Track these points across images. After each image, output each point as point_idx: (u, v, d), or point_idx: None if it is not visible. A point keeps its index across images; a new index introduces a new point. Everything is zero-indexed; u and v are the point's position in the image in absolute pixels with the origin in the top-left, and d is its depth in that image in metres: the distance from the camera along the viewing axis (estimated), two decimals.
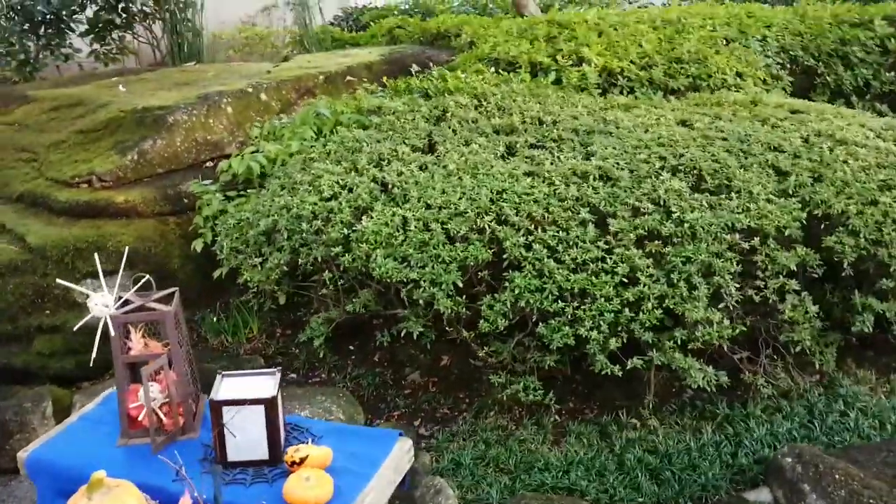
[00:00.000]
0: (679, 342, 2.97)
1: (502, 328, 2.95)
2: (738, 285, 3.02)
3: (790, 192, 3.22)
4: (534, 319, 2.98)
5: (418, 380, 3.65)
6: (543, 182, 3.23)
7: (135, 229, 4.16)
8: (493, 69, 4.87)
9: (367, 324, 3.78)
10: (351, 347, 3.86)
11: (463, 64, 5.21)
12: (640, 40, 4.96)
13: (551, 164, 3.33)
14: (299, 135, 4.03)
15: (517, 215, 3.06)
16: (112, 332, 2.37)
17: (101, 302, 2.45)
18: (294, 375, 3.75)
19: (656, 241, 3.02)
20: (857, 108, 5.62)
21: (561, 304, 2.91)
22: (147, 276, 2.52)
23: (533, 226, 3.06)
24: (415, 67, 5.45)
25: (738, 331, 3.09)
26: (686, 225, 3.03)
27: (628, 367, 2.97)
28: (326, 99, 4.45)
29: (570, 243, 2.99)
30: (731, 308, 3.06)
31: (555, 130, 3.64)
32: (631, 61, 4.74)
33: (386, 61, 5.87)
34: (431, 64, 5.67)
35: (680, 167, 3.31)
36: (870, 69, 5.63)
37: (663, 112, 3.90)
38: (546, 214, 3.07)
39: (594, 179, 3.24)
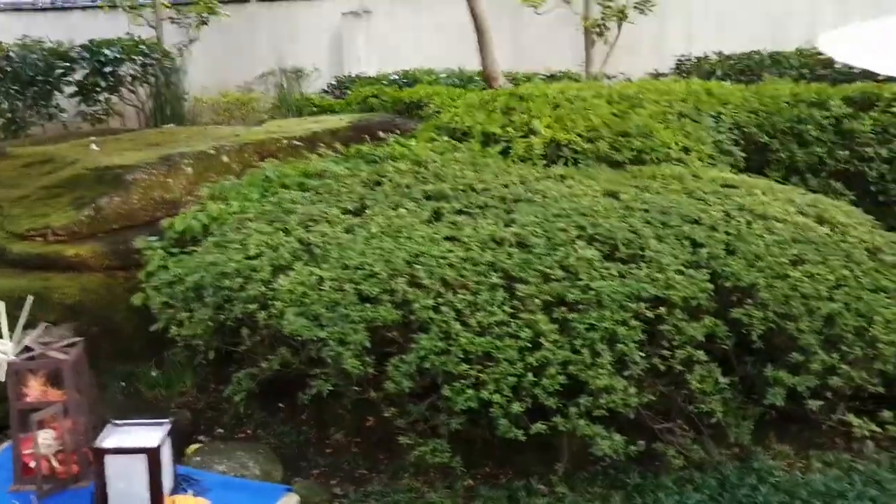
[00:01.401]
0: (584, 409, 3.00)
1: (408, 389, 2.99)
2: (643, 354, 3.07)
3: (702, 263, 3.28)
4: (439, 381, 3.03)
5: (341, 439, 3.68)
6: (461, 247, 3.31)
7: (82, 282, 4.27)
8: (446, 138, 5.00)
9: (298, 381, 3.82)
10: (280, 405, 3.90)
11: (422, 132, 5.35)
12: (591, 114, 5.09)
13: (472, 229, 3.42)
14: (244, 195, 4.15)
15: (430, 278, 3.13)
16: (2, 378, 2.44)
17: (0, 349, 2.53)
18: (221, 430, 3.78)
19: (563, 308, 3.08)
20: (813, 185, 5.72)
21: (465, 366, 2.96)
22: (47, 324, 2.60)
23: (444, 289, 3.13)
24: (381, 134, 5.60)
25: (645, 399, 3.13)
26: (592, 292, 3.09)
27: (532, 432, 3.00)
28: (274, 162, 4.59)
29: (478, 307, 3.05)
30: (638, 377, 3.10)
31: (483, 198, 3.74)
32: (578, 134, 4.86)
33: (353, 128, 6.04)
34: (398, 131, 5.82)
35: (596, 236, 3.39)
36: (824, 147, 5.72)
37: (593, 183, 3.99)
38: (458, 278, 3.15)
39: (510, 246, 3.32)
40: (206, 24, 11.35)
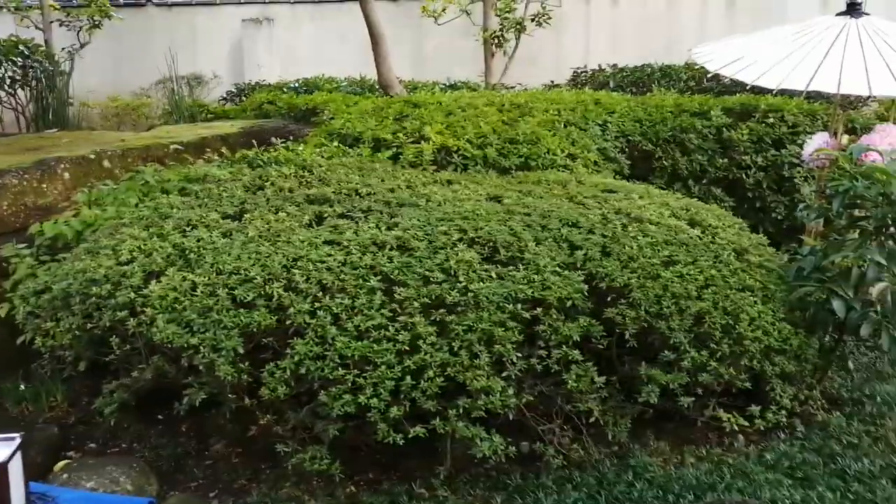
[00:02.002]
0: (463, 411, 3.01)
1: (284, 396, 2.94)
2: (520, 355, 3.10)
3: (578, 265, 3.35)
4: (315, 387, 2.98)
5: (222, 450, 3.58)
6: (341, 251, 3.28)
7: None
8: (336, 143, 4.97)
9: (176, 391, 3.71)
10: (159, 416, 3.77)
11: (312, 138, 5.30)
12: (481, 121, 5.15)
13: (354, 233, 3.39)
14: (122, 201, 4.01)
15: (307, 282, 3.09)
16: None
17: None
18: (94, 445, 3.63)
19: (441, 310, 3.09)
20: (695, 191, 5.94)
21: (342, 371, 2.93)
22: None
23: (322, 293, 3.09)
24: (274, 140, 5.52)
25: (525, 400, 3.17)
26: (471, 294, 3.11)
27: (411, 436, 2.98)
28: (154, 167, 4.46)
29: (356, 311, 3.03)
30: (518, 377, 3.13)
31: (367, 202, 3.73)
32: (468, 140, 4.91)
33: (245, 133, 5.94)
34: (292, 137, 5.76)
35: (478, 239, 3.41)
36: (705, 156, 5.95)
37: (478, 188, 4.03)
38: (337, 282, 3.11)
39: (391, 249, 3.31)
40: (98, 27, 10.98)
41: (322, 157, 4.50)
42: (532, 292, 3.16)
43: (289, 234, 3.37)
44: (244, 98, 10.15)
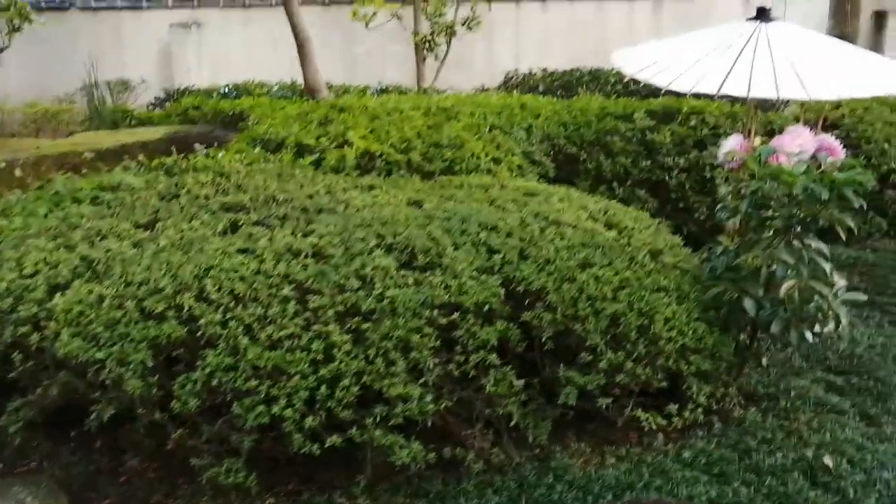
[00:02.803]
0: (380, 419, 2.99)
1: (195, 408, 2.87)
2: (437, 361, 3.09)
3: (495, 269, 3.36)
4: (229, 399, 2.93)
5: (137, 466, 3.48)
6: (255, 259, 3.22)
7: None
8: (258, 149, 4.90)
9: (89, 407, 3.60)
10: (71, 433, 3.65)
11: (235, 144, 5.22)
12: (406, 126, 5.14)
13: (268, 241, 3.34)
14: (30, 211, 3.88)
15: (218, 292, 3.03)
16: None
17: None
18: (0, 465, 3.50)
19: (357, 318, 3.06)
20: (620, 193, 6.02)
21: (255, 382, 2.88)
22: None
23: (234, 303, 3.03)
24: (198, 146, 5.41)
25: (443, 405, 3.16)
26: (386, 301, 3.09)
27: (328, 446, 2.95)
28: (67, 175, 4.33)
29: (269, 320, 2.98)
30: (437, 383, 3.13)
31: (284, 209, 3.68)
32: (392, 145, 4.89)
33: (168, 140, 5.82)
34: (216, 143, 5.65)
35: (395, 245, 3.39)
36: (629, 158, 6.05)
37: (399, 192, 4.02)
38: (249, 291, 3.06)
39: (306, 257, 3.26)
40: (18, 31, 10.64)
41: (241, 163, 4.42)
42: (449, 297, 3.16)
43: (202, 243, 3.30)
44: (173, 103, 9.97)
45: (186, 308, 2.98)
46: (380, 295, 3.11)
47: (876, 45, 11.30)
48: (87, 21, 12.10)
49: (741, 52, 4.15)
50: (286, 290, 3.08)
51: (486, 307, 3.20)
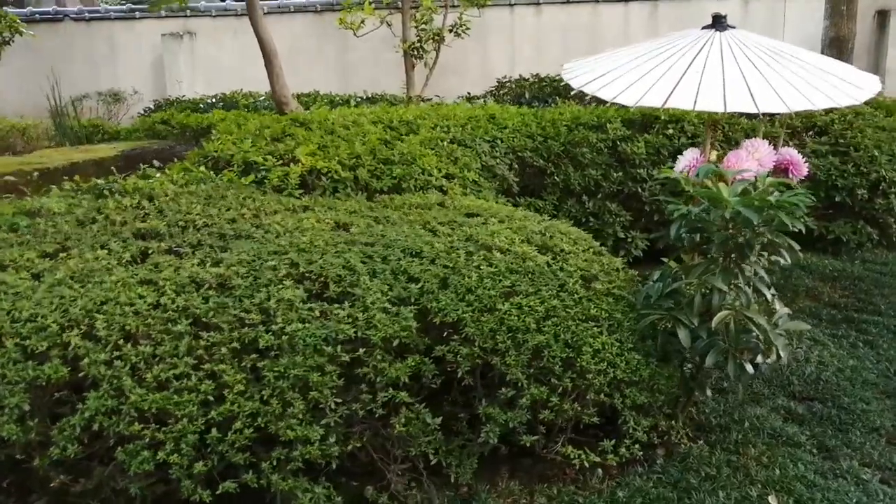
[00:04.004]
0: (278, 462, 2.82)
1: (74, 455, 2.72)
2: (339, 400, 2.91)
3: (412, 299, 3.17)
4: (112, 443, 2.77)
5: None
6: (155, 291, 3.07)
7: None
8: (203, 168, 4.76)
9: None
10: None
11: (186, 161, 5.08)
12: (358, 141, 4.97)
13: (174, 271, 3.18)
14: None
15: (108, 329, 2.87)
16: None
17: None
18: None
19: (254, 355, 2.89)
20: (590, 206, 5.81)
21: (139, 426, 2.72)
22: None
23: (124, 340, 2.87)
24: (156, 164, 5.28)
25: (351, 446, 2.98)
26: (286, 337, 2.92)
27: (220, 492, 2.78)
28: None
29: (158, 359, 2.82)
30: (346, 421, 2.95)
31: (200, 235, 3.52)
32: (340, 161, 4.72)
33: (124, 157, 5.71)
34: (176, 160, 5.52)
35: (308, 274, 3.22)
36: (599, 170, 5.84)
37: (331, 215, 3.84)
38: (142, 327, 2.90)
39: (209, 288, 3.10)
40: (9, 43, 10.64)
41: (176, 184, 4.27)
42: (355, 332, 2.98)
43: (102, 275, 3.15)
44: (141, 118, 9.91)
45: (72, 346, 2.82)
46: (279, 330, 2.93)
47: (878, 45, 10.96)
48: (82, 31, 12.11)
49: (691, 64, 3.94)
50: (181, 326, 2.92)
51: (396, 342, 3.01)
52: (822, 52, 8.95)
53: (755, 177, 4.14)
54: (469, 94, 9.55)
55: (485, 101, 9.07)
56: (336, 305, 3.09)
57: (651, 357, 3.37)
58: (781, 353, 3.16)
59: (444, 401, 3.37)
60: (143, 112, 10.58)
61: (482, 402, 3.18)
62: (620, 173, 5.86)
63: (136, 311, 2.96)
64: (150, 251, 3.38)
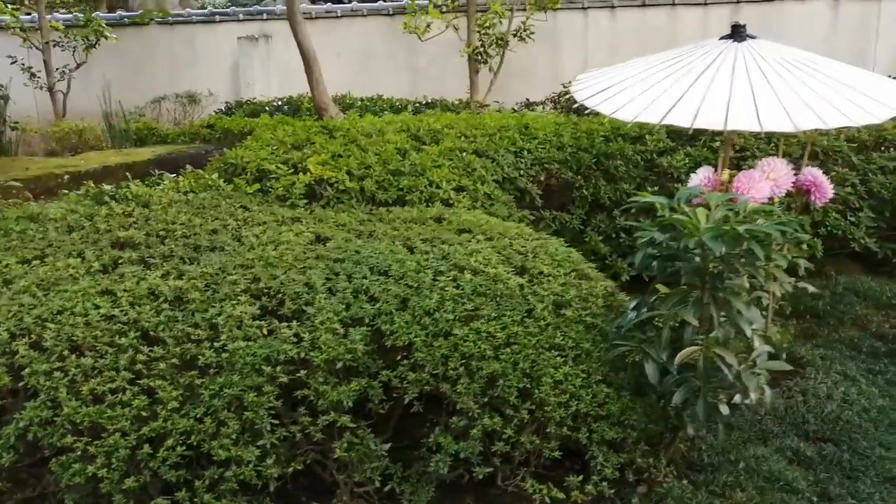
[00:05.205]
0: (210, 482, 2.78)
1: (8, 463, 2.76)
2: (277, 422, 2.86)
3: (366, 320, 3.08)
4: (48, 454, 2.80)
5: None
6: (111, 303, 3.09)
7: None
8: (218, 174, 4.80)
9: None
10: None
11: (208, 168, 5.15)
12: (373, 151, 4.91)
13: (136, 282, 3.20)
14: None
15: (56, 339, 2.90)
16: None
17: None
18: None
19: (192, 371, 2.87)
20: (620, 221, 5.57)
21: (72, 438, 2.73)
22: None
23: (69, 351, 2.90)
24: (188, 168, 5.39)
25: (292, 469, 2.92)
26: (226, 354, 2.88)
27: None
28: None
29: (98, 371, 2.83)
30: (290, 442, 2.89)
31: (174, 245, 3.53)
32: (348, 172, 4.67)
33: (158, 161, 5.84)
34: (208, 164, 5.62)
35: (266, 290, 3.18)
36: (632, 184, 5.58)
37: (317, 227, 3.80)
38: (89, 339, 2.92)
39: (165, 301, 3.10)
40: (94, 47, 11.15)
41: (179, 191, 4.32)
42: (298, 352, 2.91)
43: (68, 283, 3.20)
44: (231, 114, 10.14)
45: (19, 355, 2.87)
46: (221, 347, 2.90)
47: None
48: (165, 35, 12.54)
49: (698, 78, 3.69)
50: (127, 339, 2.92)
51: (340, 364, 2.92)
52: None
53: (771, 199, 3.87)
54: (528, 100, 9.34)
55: (543, 107, 8.87)
56: (285, 324, 3.03)
57: (623, 391, 3.17)
58: (752, 395, 2.90)
59: (410, 425, 3.28)
60: (215, 113, 10.86)
61: (436, 430, 3.06)
62: (656, 188, 5.57)
63: (88, 322, 2.98)
64: (120, 261, 3.41)
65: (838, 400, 4.10)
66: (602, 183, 5.53)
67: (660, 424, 3.27)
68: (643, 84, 3.78)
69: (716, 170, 4.01)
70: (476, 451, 2.98)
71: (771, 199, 3.84)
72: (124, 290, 3.14)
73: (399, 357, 3.05)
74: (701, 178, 3.97)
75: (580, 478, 3.13)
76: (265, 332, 2.99)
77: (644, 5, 11.12)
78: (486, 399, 3.01)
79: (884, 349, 4.80)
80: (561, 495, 3.13)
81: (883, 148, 6.37)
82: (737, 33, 3.91)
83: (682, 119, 3.52)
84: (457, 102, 9.75)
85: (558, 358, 3.10)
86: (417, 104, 9.41)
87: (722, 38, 3.95)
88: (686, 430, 3.31)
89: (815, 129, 3.46)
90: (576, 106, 5.88)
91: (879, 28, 10.81)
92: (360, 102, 9.89)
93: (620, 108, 3.71)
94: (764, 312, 4.06)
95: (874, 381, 4.36)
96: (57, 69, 10.73)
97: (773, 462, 3.57)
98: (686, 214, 2.92)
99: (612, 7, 11.16)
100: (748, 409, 3.87)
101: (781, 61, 3.74)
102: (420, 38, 10.03)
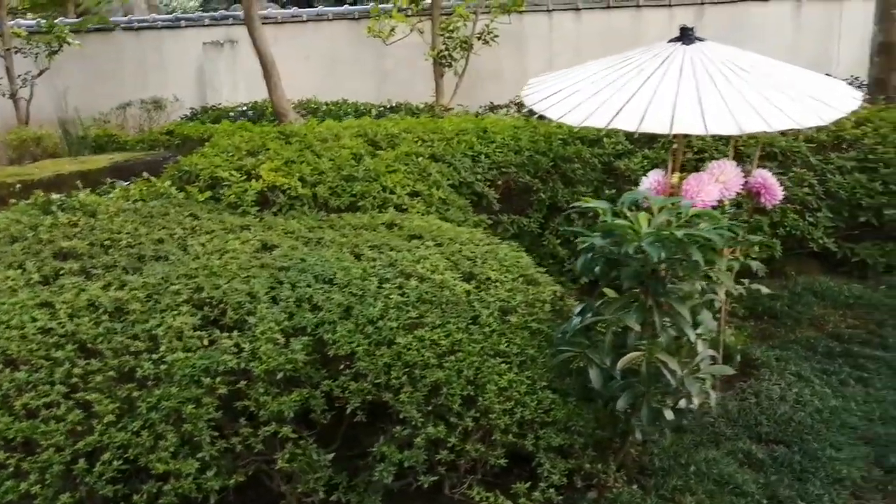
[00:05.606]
0: (149, 496, 2.74)
1: None
2: (216, 434, 2.82)
3: (309, 329, 3.05)
4: None
5: None
6: (49, 315, 3.03)
7: None
8: (171, 182, 4.75)
9: None
10: None
11: (166, 175, 5.09)
12: (327, 156, 4.88)
13: (75, 294, 3.15)
14: None
15: None
16: None
17: None
18: None
19: (130, 384, 2.82)
20: (579, 224, 5.57)
21: (4, 454, 2.68)
22: None
23: (3, 365, 2.84)
24: (145, 176, 5.32)
25: (234, 481, 2.88)
26: (164, 366, 2.84)
27: None
28: None
29: (32, 385, 2.78)
30: (230, 453, 2.85)
31: (117, 256, 3.48)
32: (301, 178, 4.64)
33: (114, 169, 5.77)
34: (163, 172, 5.55)
35: (209, 299, 3.14)
36: (590, 186, 5.59)
37: (266, 234, 3.76)
38: (24, 352, 2.87)
39: (104, 313, 3.05)
40: (56, 53, 11.01)
41: (129, 199, 4.27)
42: (238, 363, 2.88)
43: (5, 296, 3.14)
44: (196, 120, 10.06)
45: None
46: (160, 359, 2.86)
47: None
48: (131, 40, 12.42)
49: (645, 82, 3.68)
50: (64, 352, 2.87)
51: (281, 374, 2.89)
52: (872, 58, 8.41)
53: (720, 202, 3.88)
54: (492, 103, 9.35)
55: (507, 110, 8.88)
56: (226, 334, 2.99)
57: (569, 396, 3.16)
58: (695, 400, 2.90)
59: (361, 433, 3.24)
60: (181, 119, 10.77)
61: (381, 439, 3.03)
62: (613, 190, 5.58)
63: (24, 335, 2.93)
64: (62, 272, 3.35)
65: (791, 401, 4.11)
66: (560, 186, 5.53)
67: (608, 430, 3.26)
68: (592, 88, 3.78)
69: (665, 173, 4.01)
70: (421, 460, 2.96)
71: (721, 201, 3.87)
72: (63, 302, 3.09)
73: (342, 366, 3.02)
74: (651, 181, 3.97)
75: (528, 485, 3.12)
76: (206, 342, 2.95)
77: (609, 7, 11.17)
78: (429, 407, 2.98)
79: (839, 349, 4.83)
80: (508, 503, 3.11)
81: (841, 148, 6.43)
82: (685, 36, 3.91)
83: (628, 123, 3.52)
84: (422, 106, 9.74)
85: (503, 365, 3.08)
86: (382, 108, 9.39)
87: (670, 41, 3.96)
88: (635, 435, 3.30)
89: (761, 131, 3.47)
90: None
91: (842, 29, 10.93)
92: (325, 107, 9.86)
93: (568, 113, 3.70)
94: (717, 315, 4.08)
95: (828, 381, 4.38)
96: (19, 76, 10.59)
97: (724, 465, 3.57)
98: (628, 219, 2.92)
99: (577, 9, 11.21)
100: (699, 413, 3.87)
101: (728, 64, 3.75)
102: (384, 42, 10.00)
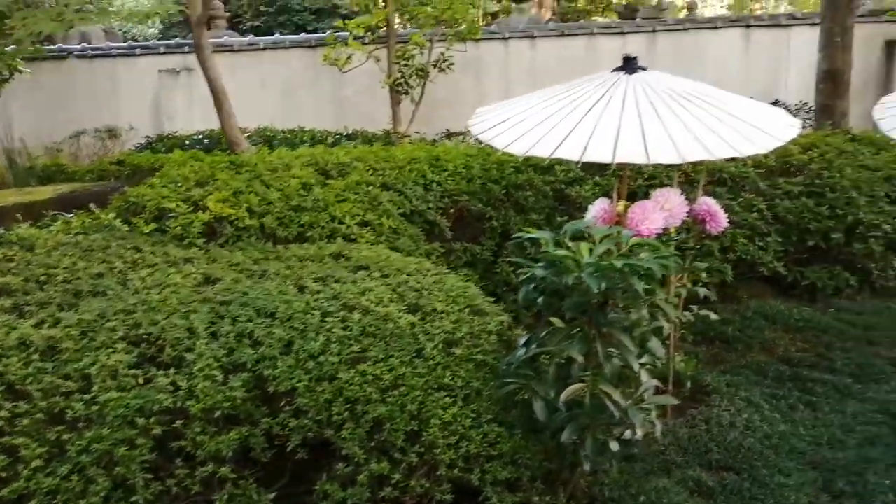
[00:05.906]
0: None
1: None
2: (150, 476, 2.73)
3: (248, 365, 2.98)
4: None
5: None
6: None
7: None
8: (116, 213, 4.65)
9: None
10: None
11: (112, 206, 4.99)
12: (273, 187, 4.82)
13: (6, 332, 3.04)
14: None
15: None
16: None
17: None
18: None
19: (60, 427, 2.73)
20: (531, 252, 5.57)
21: None
22: None
23: None
24: (91, 207, 5.21)
25: None
26: (96, 407, 2.75)
27: None
28: None
29: None
30: (148, 501, 2.76)
31: (52, 292, 3.38)
32: (249, 209, 4.58)
33: (60, 200, 5.64)
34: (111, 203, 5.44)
35: (146, 336, 3.06)
36: (542, 214, 5.60)
37: (208, 268, 3.69)
38: None
39: (35, 352, 2.95)
40: (7, 81, 10.81)
41: (70, 233, 4.17)
42: (174, 402, 2.80)
43: None
44: (149, 149, 9.94)
45: None
46: (91, 399, 2.77)
47: (888, 77, 10.53)
48: (84, 68, 12.26)
49: (588, 111, 3.71)
50: None
51: (219, 412, 2.82)
52: (817, 86, 8.59)
53: (665, 229, 3.90)
54: (448, 130, 9.37)
55: (464, 137, 8.90)
56: (163, 372, 2.91)
57: (515, 429, 3.12)
58: (639, 431, 2.89)
59: (310, 470, 3.17)
60: (135, 148, 10.64)
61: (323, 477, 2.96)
62: (565, 217, 5.59)
63: None
64: None
65: (741, 427, 4.12)
66: (512, 214, 5.54)
67: (556, 461, 3.23)
68: (537, 117, 3.79)
69: (611, 202, 4.03)
70: (364, 498, 2.90)
71: (666, 228, 3.89)
72: None
73: (282, 403, 2.96)
74: (598, 209, 3.99)
75: None
76: (141, 381, 2.87)
77: (563, 35, 11.31)
78: (372, 443, 2.93)
79: (788, 373, 4.86)
80: None
81: (790, 173, 6.54)
82: (628, 66, 3.95)
83: (571, 153, 3.53)
84: (379, 133, 9.73)
85: (447, 398, 3.04)
86: (338, 135, 9.37)
87: (614, 70, 3.99)
88: (583, 467, 3.27)
89: (703, 159, 3.50)
90: None
91: (790, 55, 11.17)
92: (281, 134, 9.80)
93: (514, 142, 3.70)
94: (667, 342, 4.09)
95: (777, 406, 4.41)
96: None
97: (674, 494, 3.56)
98: (570, 249, 2.91)
99: (533, 37, 11.33)
100: (648, 441, 3.86)
101: (671, 93, 3.79)
102: (341, 70, 9.99)
